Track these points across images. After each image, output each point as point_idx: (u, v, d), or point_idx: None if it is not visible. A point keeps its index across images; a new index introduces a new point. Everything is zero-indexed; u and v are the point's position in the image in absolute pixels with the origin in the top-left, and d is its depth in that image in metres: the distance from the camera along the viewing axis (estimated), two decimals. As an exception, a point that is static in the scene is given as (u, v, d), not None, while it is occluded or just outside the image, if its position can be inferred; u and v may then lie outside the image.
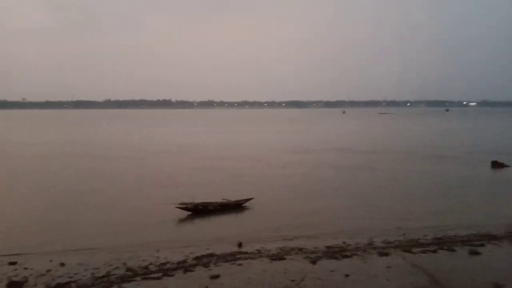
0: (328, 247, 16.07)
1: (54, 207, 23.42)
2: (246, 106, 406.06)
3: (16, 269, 14.12)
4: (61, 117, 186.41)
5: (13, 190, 28.66)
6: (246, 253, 15.47)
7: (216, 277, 13.14)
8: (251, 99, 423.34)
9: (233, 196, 23.61)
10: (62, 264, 14.48)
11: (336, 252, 15.46)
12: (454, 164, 39.01)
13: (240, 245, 16.42)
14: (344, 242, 16.66)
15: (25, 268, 14.16)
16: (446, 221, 19.68)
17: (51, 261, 14.84)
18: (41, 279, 13.21)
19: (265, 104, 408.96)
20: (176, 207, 21.51)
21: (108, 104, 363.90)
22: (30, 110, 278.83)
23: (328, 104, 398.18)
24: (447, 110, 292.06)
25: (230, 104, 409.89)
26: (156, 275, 13.39)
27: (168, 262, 14.52)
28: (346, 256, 15.00)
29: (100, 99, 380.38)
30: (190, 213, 21.60)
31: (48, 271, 13.91)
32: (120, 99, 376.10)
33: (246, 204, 23.08)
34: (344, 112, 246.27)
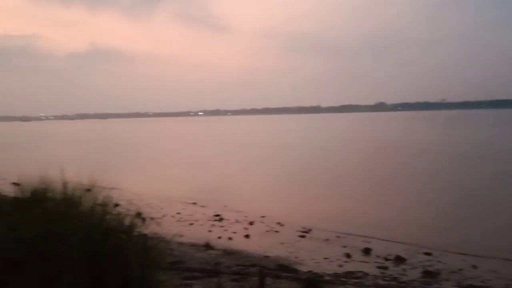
0: None
1: (461, 207, 23.49)
2: None
3: (430, 260, 15.21)
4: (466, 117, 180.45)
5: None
6: None
7: None
8: None
9: None
10: (474, 267, 14.42)
11: None
12: None
13: None
14: None
15: (439, 261, 15.03)
16: None
17: (463, 260, 15.08)
18: (453, 276, 13.65)
19: None
20: None
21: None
22: (448, 111, 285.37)
23: None
24: None
25: None
26: None
27: None
28: None
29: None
30: None
31: (460, 270, 14.18)
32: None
33: None
34: None
